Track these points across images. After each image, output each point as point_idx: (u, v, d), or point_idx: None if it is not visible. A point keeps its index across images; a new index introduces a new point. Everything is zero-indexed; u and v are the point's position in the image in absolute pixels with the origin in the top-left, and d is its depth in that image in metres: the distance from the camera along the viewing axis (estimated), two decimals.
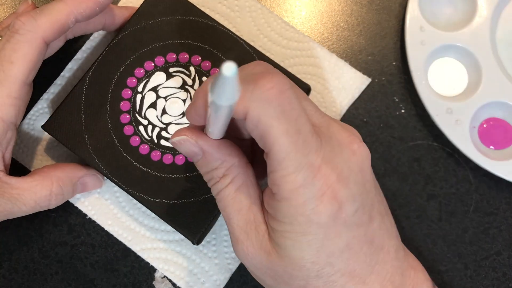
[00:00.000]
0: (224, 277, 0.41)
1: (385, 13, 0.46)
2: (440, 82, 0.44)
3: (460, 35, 0.43)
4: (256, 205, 0.31)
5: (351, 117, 0.44)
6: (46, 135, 0.43)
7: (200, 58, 0.41)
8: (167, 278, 0.41)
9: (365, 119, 0.44)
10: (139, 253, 0.41)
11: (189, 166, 0.39)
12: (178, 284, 0.41)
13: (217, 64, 0.41)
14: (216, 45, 0.41)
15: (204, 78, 0.41)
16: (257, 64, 0.31)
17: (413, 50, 0.43)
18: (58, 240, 0.42)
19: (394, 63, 0.45)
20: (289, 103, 0.27)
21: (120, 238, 0.42)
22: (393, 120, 0.44)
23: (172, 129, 0.40)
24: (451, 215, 0.42)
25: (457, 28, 0.44)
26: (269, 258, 0.30)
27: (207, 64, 0.41)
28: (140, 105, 0.40)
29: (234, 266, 0.41)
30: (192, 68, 0.41)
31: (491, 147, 0.43)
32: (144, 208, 0.42)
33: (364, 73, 0.44)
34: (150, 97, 0.40)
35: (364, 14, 0.46)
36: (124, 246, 0.41)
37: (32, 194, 0.36)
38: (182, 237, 0.41)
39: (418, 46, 0.43)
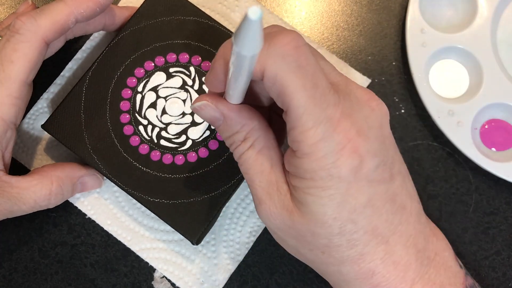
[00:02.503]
0: (223, 277, 0.41)
1: (385, 13, 0.46)
2: (441, 84, 0.44)
3: (460, 36, 0.43)
4: (277, 166, 0.31)
5: None
6: (46, 135, 0.43)
7: (200, 59, 0.41)
8: (166, 278, 0.41)
9: None
10: (138, 253, 0.41)
11: (189, 166, 0.39)
12: (177, 284, 0.41)
13: (206, 57, 0.41)
14: (216, 45, 0.41)
15: (204, 79, 0.41)
16: (273, 26, 0.31)
17: (414, 52, 0.43)
18: (58, 240, 0.42)
19: (394, 63, 0.45)
20: (305, 59, 0.28)
21: (119, 238, 0.41)
22: (393, 120, 0.44)
23: (172, 129, 0.40)
24: (451, 215, 0.42)
25: (457, 29, 0.44)
26: (291, 217, 0.30)
27: (207, 64, 0.41)
28: (140, 105, 0.40)
29: (233, 267, 0.41)
30: (192, 68, 0.41)
31: (493, 148, 0.43)
32: (143, 208, 0.42)
33: (364, 73, 0.44)
34: (150, 97, 0.40)
35: (364, 14, 0.46)
36: (124, 246, 0.41)
37: (31, 193, 0.36)
38: (182, 237, 0.41)
39: (419, 48, 0.43)
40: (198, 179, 0.39)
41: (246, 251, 0.41)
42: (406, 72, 0.44)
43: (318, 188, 0.29)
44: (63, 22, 0.36)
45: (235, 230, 0.42)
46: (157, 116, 0.40)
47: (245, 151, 0.31)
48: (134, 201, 0.42)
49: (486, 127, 0.43)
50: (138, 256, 0.41)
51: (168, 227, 0.41)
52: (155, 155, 0.39)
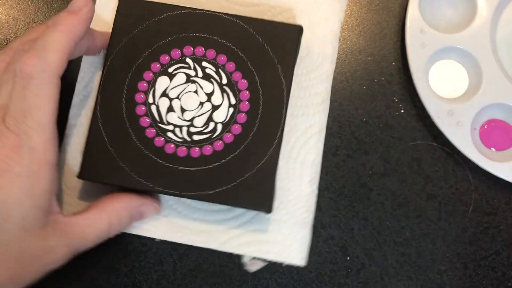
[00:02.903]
0: (307, 231, 0.42)
1: (385, 14, 0.46)
2: (441, 84, 0.44)
3: (460, 37, 0.43)
4: None
5: (351, 117, 0.44)
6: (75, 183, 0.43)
7: (191, 48, 0.41)
8: (255, 258, 0.42)
9: (364, 119, 0.44)
10: (220, 249, 0.42)
11: (230, 147, 0.40)
12: (268, 258, 0.41)
13: (208, 46, 0.41)
14: (198, 29, 0.41)
15: (203, 63, 0.41)
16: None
17: (414, 53, 0.43)
18: None
19: (393, 63, 0.45)
20: None
21: (196, 244, 0.42)
22: (393, 120, 0.44)
23: (197, 122, 0.40)
24: (451, 215, 0.42)
25: (457, 30, 0.44)
26: None
27: (200, 49, 0.41)
28: (158, 114, 0.40)
29: (310, 218, 0.42)
30: (188, 60, 0.41)
31: (492, 148, 0.43)
32: (204, 207, 0.42)
33: (364, 73, 0.44)
34: (164, 103, 0.40)
35: (364, 15, 0.46)
36: (124, 245, 0.41)
37: (93, 229, 0.37)
38: (251, 216, 0.41)
39: (418, 48, 0.43)
40: (243, 154, 0.39)
41: (315, 199, 0.42)
42: (406, 73, 0.44)
43: None
44: (67, 51, 0.35)
45: (295, 185, 0.42)
46: (178, 117, 0.40)
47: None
48: (193, 204, 0.42)
49: (485, 127, 0.43)
50: (138, 256, 0.41)
51: (235, 213, 0.42)
52: (195, 151, 0.40)
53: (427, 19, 0.44)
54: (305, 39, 0.44)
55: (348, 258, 0.42)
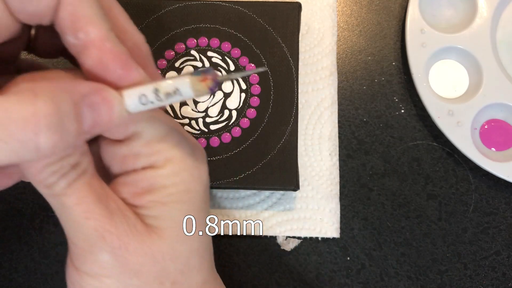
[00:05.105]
0: (335, 203, 0.42)
1: (385, 14, 0.46)
2: (441, 84, 0.44)
3: (460, 37, 0.43)
4: (109, 190, 0.26)
5: (351, 117, 0.44)
6: None
7: (195, 40, 0.41)
8: (289, 237, 0.42)
9: (365, 119, 0.44)
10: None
11: (247, 132, 0.40)
12: (302, 235, 0.42)
13: (211, 35, 0.41)
14: (199, 20, 0.41)
15: (209, 53, 0.41)
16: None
17: (414, 53, 0.43)
18: (59, 240, 0.42)
19: (394, 63, 0.45)
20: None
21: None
22: (393, 120, 0.44)
23: (212, 112, 0.40)
24: (451, 215, 0.42)
25: (457, 30, 0.44)
26: (151, 241, 0.26)
27: (204, 40, 0.41)
28: (172, 110, 0.41)
29: (336, 190, 0.42)
30: (193, 52, 0.41)
31: (493, 148, 0.43)
32: (230, 195, 0.42)
33: (364, 73, 0.44)
34: None
35: (364, 15, 0.46)
36: None
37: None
38: (277, 197, 0.42)
39: (419, 48, 0.43)
40: (262, 137, 0.40)
41: (337, 171, 0.42)
42: (406, 72, 0.44)
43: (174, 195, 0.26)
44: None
45: (316, 160, 0.43)
46: (192, 109, 0.41)
47: (77, 179, 0.24)
48: (218, 194, 0.42)
49: (485, 127, 0.43)
50: None
51: (261, 196, 0.42)
52: (214, 141, 0.40)
53: (427, 19, 0.44)
54: (304, 17, 0.44)
55: (348, 258, 0.42)
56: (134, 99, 0.23)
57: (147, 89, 0.23)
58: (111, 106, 0.23)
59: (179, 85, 0.23)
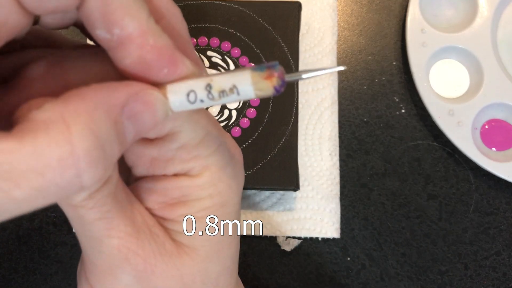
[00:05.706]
0: (336, 203, 0.42)
1: (385, 13, 0.46)
2: (441, 83, 0.44)
3: (461, 36, 0.43)
4: (136, 202, 0.23)
5: (351, 117, 0.44)
6: None
7: (194, 39, 0.41)
8: (289, 237, 0.42)
9: (365, 119, 0.44)
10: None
11: (247, 132, 0.40)
12: (302, 236, 0.42)
13: (211, 35, 0.41)
14: (198, 20, 0.42)
15: (209, 53, 0.41)
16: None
17: (415, 52, 0.43)
18: (58, 240, 0.42)
19: (394, 63, 0.45)
20: None
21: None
22: (393, 120, 0.44)
23: (212, 111, 0.40)
24: (451, 215, 0.42)
25: (458, 29, 0.44)
26: (181, 262, 0.23)
27: (203, 40, 0.41)
28: None
29: (336, 190, 0.42)
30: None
31: (493, 148, 0.43)
32: None
33: (364, 73, 0.44)
34: None
35: (364, 14, 0.46)
36: None
37: (31, 160, 0.16)
38: (277, 197, 0.42)
39: (419, 48, 0.43)
40: (262, 137, 0.40)
41: (338, 171, 0.42)
42: (406, 72, 0.44)
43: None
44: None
45: (316, 160, 0.43)
46: None
47: (100, 189, 0.20)
48: None
49: (486, 127, 0.43)
50: None
51: (261, 197, 0.42)
52: None
53: (428, 19, 0.44)
54: (304, 16, 0.44)
55: (348, 258, 0.41)
56: (181, 96, 0.19)
57: (198, 85, 0.19)
58: (154, 110, 0.19)
59: (238, 82, 0.18)
